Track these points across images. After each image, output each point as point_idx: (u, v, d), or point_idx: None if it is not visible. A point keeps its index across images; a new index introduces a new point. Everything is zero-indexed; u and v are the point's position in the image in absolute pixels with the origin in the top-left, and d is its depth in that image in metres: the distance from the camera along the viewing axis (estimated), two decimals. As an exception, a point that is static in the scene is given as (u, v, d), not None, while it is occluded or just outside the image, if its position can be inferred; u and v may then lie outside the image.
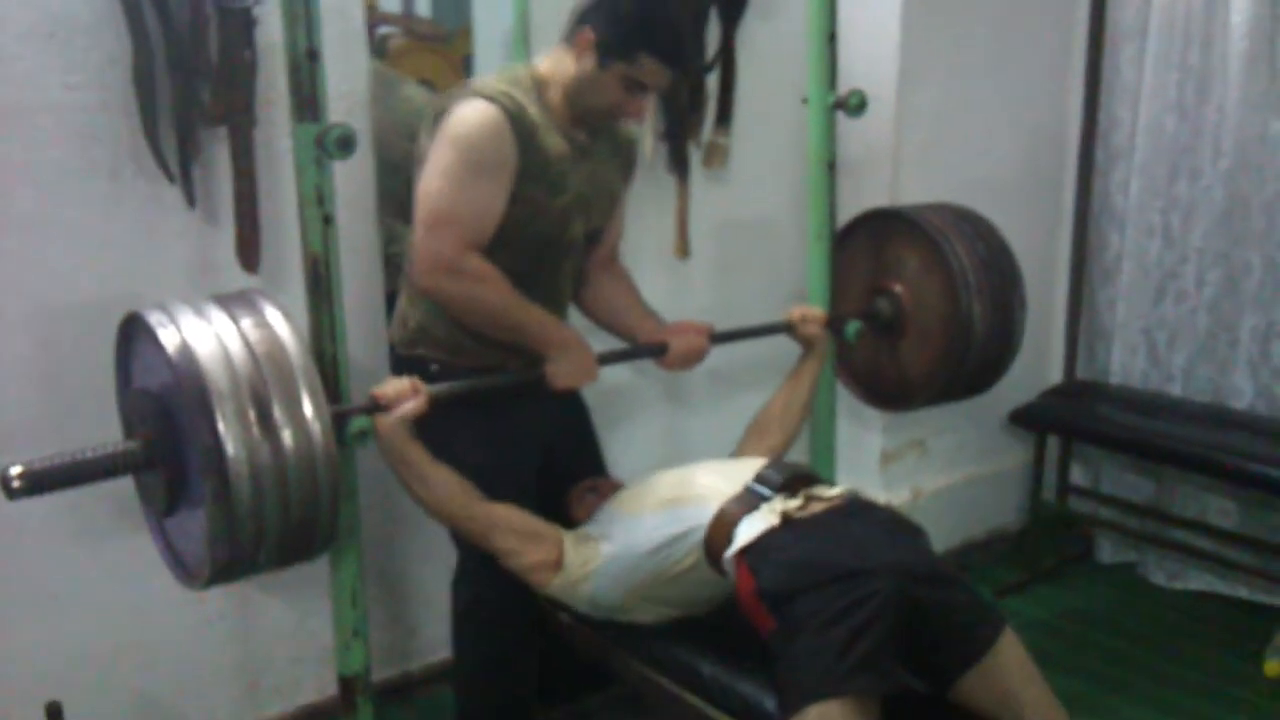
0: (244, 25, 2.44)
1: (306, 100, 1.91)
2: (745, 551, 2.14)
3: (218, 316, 1.84)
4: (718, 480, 2.35)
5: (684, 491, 2.34)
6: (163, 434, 1.85)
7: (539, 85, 2.39)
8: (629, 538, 2.33)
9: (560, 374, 2.38)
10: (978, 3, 3.61)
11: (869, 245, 2.98)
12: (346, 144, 1.90)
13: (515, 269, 2.39)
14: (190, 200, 2.49)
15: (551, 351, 2.39)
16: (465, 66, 3.73)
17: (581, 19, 2.36)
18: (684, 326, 2.65)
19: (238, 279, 2.56)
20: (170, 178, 2.45)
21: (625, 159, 2.61)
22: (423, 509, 2.31)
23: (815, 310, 2.81)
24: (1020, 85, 3.81)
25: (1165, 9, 3.56)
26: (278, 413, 1.78)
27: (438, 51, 3.75)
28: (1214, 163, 3.52)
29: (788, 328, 2.79)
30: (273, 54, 2.44)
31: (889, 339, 2.95)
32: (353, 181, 2.65)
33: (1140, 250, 3.73)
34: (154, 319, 1.82)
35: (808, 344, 2.81)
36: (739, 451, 2.70)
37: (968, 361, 2.82)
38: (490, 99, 2.27)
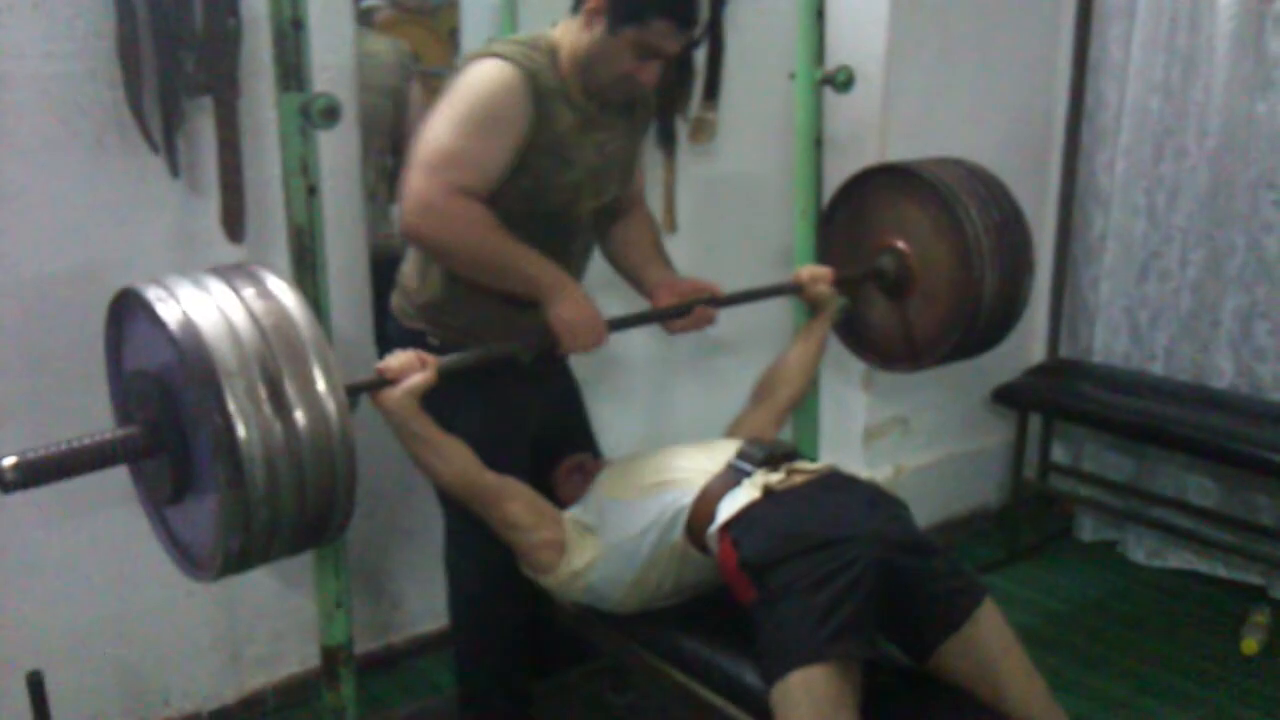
0: (229, -6, 2.43)
1: (291, 70, 1.90)
2: (728, 525, 2.15)
3: (219, 289, 1.73)
4: (700, 459, 2.35)
5: (668, 476, 2.34)
6: (164, 417, 1.74)
7: (553, 53, 2.32)
8: (620, 530, 2.32)
9: (565, 326, 2.28)
10: (966, -19, 3.62)
11: (875, 200, 2.89)
12: (331, 114, 1.90)
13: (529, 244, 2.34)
14: (174, 170, 2.48)
15: (547, 295, 2.28)
16: (452, 39, 3.72)
17: None
18: (694, 287, 2.58)
19: (222, 249, 2.55)
20: (154, 148, 2.44)
21: (639, 119, 2.55)
22: (434, 481, 2.27)
23: (823, 270, 2.77)
24: (1007, 64, 3.81)
25: (1153, -11, 3.57)
26: (290, 389, 1.67)
27: (424, 24, 3.73)
28: (1199, 143, 3.53)
29: (796, 288, 2.76)
30: (257, 23, 2.43)
31: (895, 298, 2.88)
32: (338, 152, 2.64)
33: (1124, 230, 3.74)
34: (151, 294, 1.70)
35: (816, 304, 2.78)
36: (744, 411, 2.69)
37: (975, 327, 2.75)
38: (509, 59, 2.22)
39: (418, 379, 2.08)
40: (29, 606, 2.55)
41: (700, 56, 3.32)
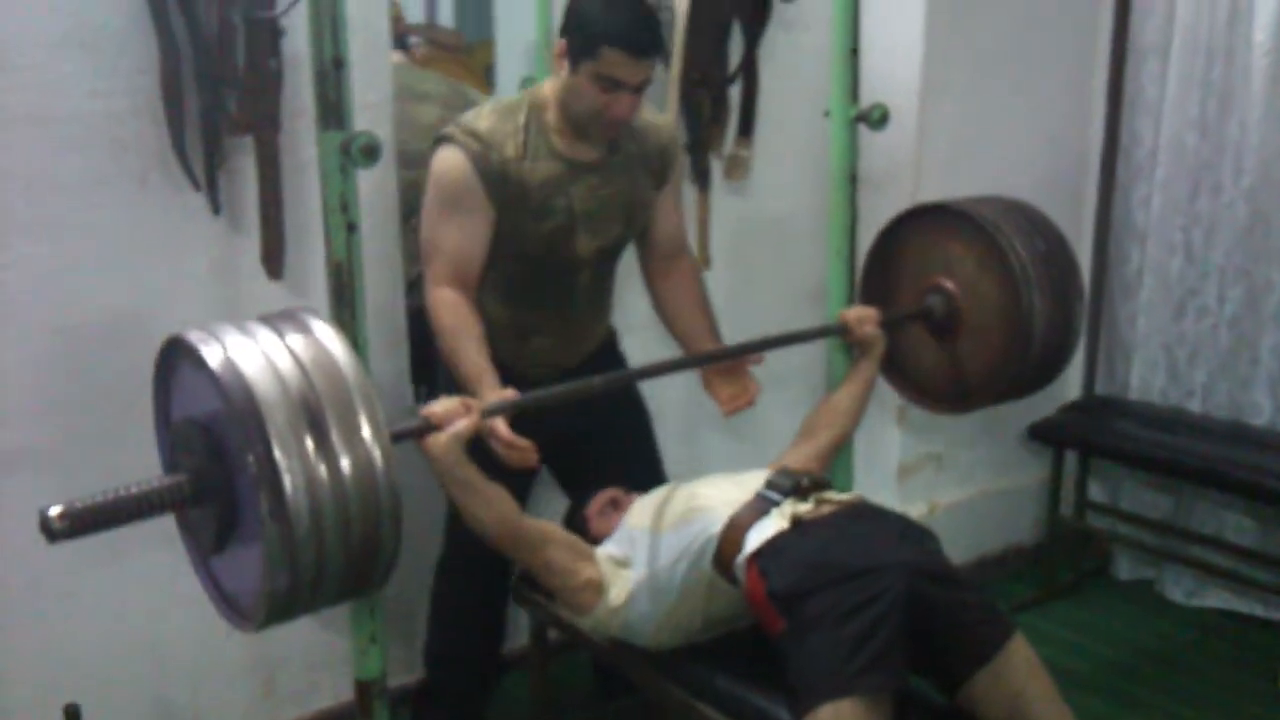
0: (271, 34, 2.46)
1: (332, 108, 1.92)
2: (756, 555, 2.15)
3: (265, 335, 1.74)
4: (729, 489, 2.36)
5: (696, 504, 2.35)
6: (211, 464, 1.74)
7: (537, 108, 2.50)
8: (652, 562, 2.32)
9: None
10: (1000, 18, 3.61)
11: (915, 242, 2.87)
12: (372, 152, 1.92)
13: (520, 278, 2.56)
14: (215, 207, 2.52)
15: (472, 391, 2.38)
16: (487, 76, 3.76)
17: (560, 33, 2.44)
18: (734, 370, 2.70)
19: (262, 286, 2.59)
20: (196, 185, 2.48)
21: (658, 164, 2.65)
22: (477, 528, 2.26)
23: (870, 311, 2.74)
24: (1042, 100, 3.81)
25: (1188, 25, 3.56)
26: (335, 434, 1.68)
27: (460, 61, 3.77)
28: (1235, 179, 3.51)
29: (842, 330, 2.74)
30: (299, 63, 2.46)
31: (944, 338, 2.83)
32: (376, 189, 2.67)
33: (1161, 266, 3.72)
34: (197, 341, 1.71)
35: (864, 345, 2.74)
36: (787, 452, 2.66)
37: (1029, 360, 2.70)
38: (459, 143, 2.43)
39: (463, 425, 2.09)
40: (66, 637, 2.57)
41: (735, 94, 3.34)
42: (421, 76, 3.35)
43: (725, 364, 2.67)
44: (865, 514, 2.29)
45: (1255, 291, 3.53)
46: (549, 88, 2.51)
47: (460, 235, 2.47)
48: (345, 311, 1.99)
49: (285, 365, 1.69)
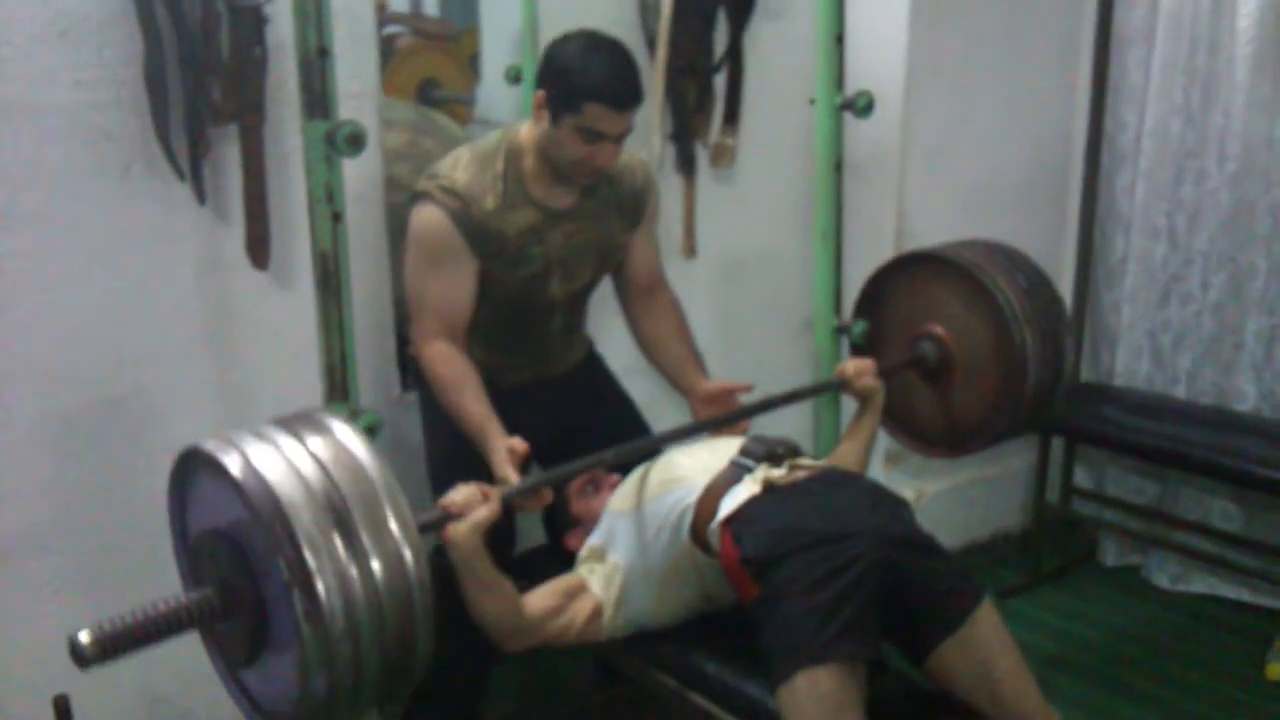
0: (255, 23, 2.44)
1: (317, 98, 1.91)
2: (729, 521, 2.17)
3: (283, 440, 1.71)
4: (704, 457, 2.37)
5: (673, 475, 2.35)
6: (238, 574, 1.71)
7: (514, 154, 2.50)
8: (634, 541, 2.32)
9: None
10: (985, 6, 3.62)
11: (901, 293, 2.88)
12: (357, 141, 1.91)
13: (495, 322, 2.57)
14: (200, 197, 2.50)
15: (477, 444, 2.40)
16: (472, 65, 3.74)
17: (537, 83, 2.44)
18: (725, 390, 2.67)
19: (247, 276, 2.58)
20: (180, 175, 2.46)
21: (632, 205, 2.66)
22: (480, 619, 2.20)
23: (866, 362, 2.72)
24: (1027, 88, 3.81)
25: (1172, 13, 3.57)
26: (363, 530, 1.66)
27: (445, 50, 3.75)
28: (1220, 166, 3.53)
29: (840, 384, 2.73)
30: (283, 52, 2.45)
31: (937, 383, 2.84)
32: (361, 179, 2.66)
33: (1145, 253, 3.74)
34: (213, 448, 1.69)
35: (864, 396, 2.72)
36: None
37: (1024, 397, 2.70)
38: (438, 202, 2.44)
39: (483, 513, 2.06)
40: (55, 630, 2.55)
41: (720, 82, 3.34)
42: (386, 103, 3.32)
43: (715, 395, 2.66)
44: (838, 481, 2.30)
45: (1239, 277, 3.55)
46: (526, 134, 2.51)
47: (447, 289, 2.48)
48: (331, 300, 1.99)
49: (307, 467, 1.67)
